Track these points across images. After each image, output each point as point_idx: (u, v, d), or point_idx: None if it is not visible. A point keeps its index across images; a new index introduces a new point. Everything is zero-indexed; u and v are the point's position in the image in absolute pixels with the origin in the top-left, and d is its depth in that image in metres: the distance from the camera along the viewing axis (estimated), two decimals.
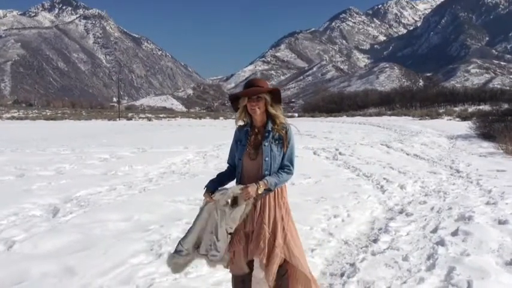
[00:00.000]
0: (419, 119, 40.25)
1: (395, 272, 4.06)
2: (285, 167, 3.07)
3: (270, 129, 3.06)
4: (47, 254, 4.46)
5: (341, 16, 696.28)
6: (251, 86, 3.08)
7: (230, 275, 3.18)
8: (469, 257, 4.28)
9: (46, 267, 4.06)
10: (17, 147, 14.84)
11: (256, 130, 3.09)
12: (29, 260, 4.25)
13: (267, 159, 3.00)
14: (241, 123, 3.16)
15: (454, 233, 5.16)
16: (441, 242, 4.83)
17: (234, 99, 3.12)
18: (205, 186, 3.09)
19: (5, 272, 3.96)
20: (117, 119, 57.31)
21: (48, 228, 5.37)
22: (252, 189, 2.91)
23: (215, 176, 3.19)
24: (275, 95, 3.10)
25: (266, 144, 3.03)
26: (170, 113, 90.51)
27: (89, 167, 10.42)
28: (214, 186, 3.07)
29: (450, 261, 4.23)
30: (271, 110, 3.08)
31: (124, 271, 4.01)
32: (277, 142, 3.05)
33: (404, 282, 3.78)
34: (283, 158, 3.08)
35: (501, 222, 5.59)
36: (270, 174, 3.00)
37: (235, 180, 3.14)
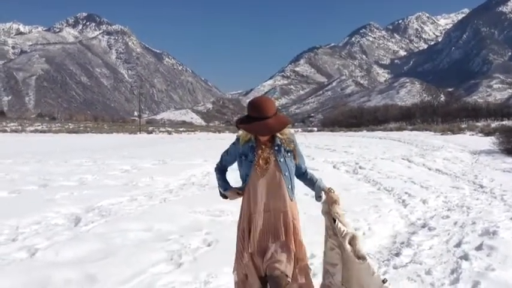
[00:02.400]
0: (441, 134, 39.66)
1: (418, 286, 3.99)
2: (305, 172, 3.18)
3: (279, 143, 3.02)
4: (68, 261, 4.51)
5: (361, 31, 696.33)
6: (260, 115, 2.93)
7: None
8: (494, 272, 4.18)
9: (68, 274, 4.10)
10: (40, 158, 15.12)
11: (262, 145, 3.03)
12: (51, 268, 4.29)
13: (286, 174, 3.00)
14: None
15: (479, 248, 5.04)
16: (465, 257, 4.72)
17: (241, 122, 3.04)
18: (225, 189, 3.17)
19: (28, 278, 4.01)
20: (138, 132, 57.97)
21: (70, 236, 5.43)
22: (333, 194, 3.11)
23: (221, 179, 3.23)
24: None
25: (282, 160, 3.00)
26: (190, 127, 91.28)
27: (110, 177, 10.55)
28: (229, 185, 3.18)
29: (475, 275, 4.13)
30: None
31: (144, 279, 4.03)
32: (289, 155, 3.04)
33: None
34: (299, 166, 3.12)
35: None
36: (292, 188, 3.02)
37: (227, 188, 3.17)
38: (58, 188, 9.01)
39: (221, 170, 3.24)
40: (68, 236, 5.44)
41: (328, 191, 3.13)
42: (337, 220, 3.07)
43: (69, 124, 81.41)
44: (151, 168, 12.40)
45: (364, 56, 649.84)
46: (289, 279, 2.88)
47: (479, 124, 52.05)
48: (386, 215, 7.07)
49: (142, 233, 5.61)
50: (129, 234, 5.54)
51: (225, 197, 3.25)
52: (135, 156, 15.54)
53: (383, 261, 4.82)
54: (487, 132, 35.85)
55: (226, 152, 3.20)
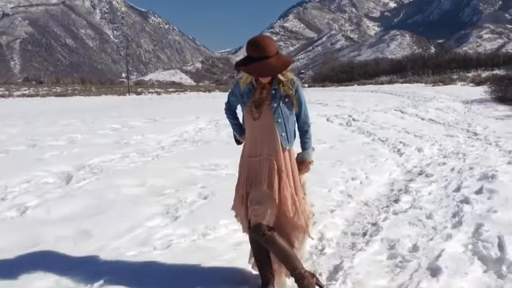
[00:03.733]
0: (432, 86, 39.51)
1: (420, 230, 3.92)
2: (305, 124, 2.93)
3: (276, 86, 2.81)
4: (61, 218, 4.39)
5: None
6: (260, 54, 2.69)
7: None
8: (496, 214, 4.13)
9: (61, 231, 3.99)
10: (28, 120, 14.82)
11: (261, 87, 2.84)
12: (43, 225, 4.18)
13: (279, 120, 2.78)
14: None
15: (478, 192, 4.99)
16: (465, 200, 4.67)
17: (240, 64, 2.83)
18: (240, 133, 3.05)
19: (19, 236, 3.89)
20: (127, 94, 57.23)
21: (62, 194, 5.30)
22: (309, 168, 3.00)
23: (232, 122, 3.10)
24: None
25: (275, 104, 2.78)
26: (179, 87, 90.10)
27: (100, 136, 10.34)
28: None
29: (477, 218, 4.07)
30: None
31: (140, 233, 3.93)
32: (286, 101, 2.81)
33: (431, 240, 3.64)
34: (298, 116, 2.90)
35: None
36: (287, 136, 2.81)
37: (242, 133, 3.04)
38: (47, 147, 8.79)
39: (231, 111, 3.10)
40: (59, 194, 5.30)
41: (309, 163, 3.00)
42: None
43: (57, 88, 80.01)
44: (142, 126, 12.18)
45: (353, 9, 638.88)
46: (268, 231, 2.73)
47: (469, 74, 52.00)
48: (382, 164, 7.03)
49: (136, 188, 5.50)
50: (123, 189, 5.42)
51: (239, 142, 3.10)
52: (125, 116, 15.27)
53: (382, 208, 4.76)
54: (478, 82, 35.83)
55: (232, 92, 3.04)
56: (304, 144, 2.97)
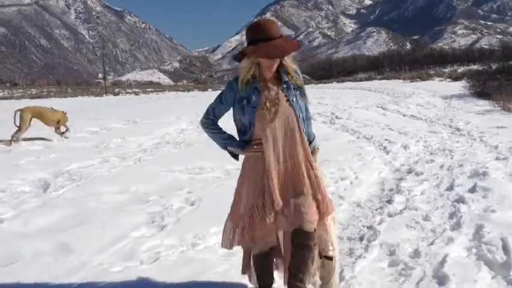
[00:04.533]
0: (410, 81, 39.75)
1: (419, 233, 3.78)
2: (309, 113, 2.72)
3: (286, 79, 2.57)
4: (39, 231, 4.10)
5: None
6: (266, 35, 2.45)
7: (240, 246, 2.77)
8: (495, 214, 4.01)
9: (39, 245, 3.70)
10: (1, 124, 14.31)
11: (268, 84, 2.56)
12: (19, 239, 3.88)
13: (300, 115, 2.56)
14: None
15: (472, 190, 4.89)
16: (461, 200, 4.55)
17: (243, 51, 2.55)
18: (242, 147, 2.62)
19: None
20: (104, 95, 56.35)
21: (39, 204, 4.98)
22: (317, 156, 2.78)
23: (222, 136, 2.68)
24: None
25: (294, 99, 2.55)
26: (157, 87, 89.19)
27: (78, 140, 9.98)
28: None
29: (476, 218, 3.95)
30: (285, 59, 2.60)
31: (125, 246, 3.67)
32: (298, 93, 2.60)
33: (432, 244, 3.49)
34: (306, 110, 2.67)
35: None
36: (307, 131, 2.64)
37: (237, 143, 2.65)
38: (23, 153, 8.41)
39: (215, 124, 2.71)
40: (36, 204, 4.99)
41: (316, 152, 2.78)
42: None
43: (32, 90, 78.35)
44: (121, 128, 11.85)
45: (330, 7, 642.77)
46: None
47: (446, 70, 52.71)
48: (370, 163, 6.91)
49: (118, 196, 5.22)
50: (104, 197, 5.14)
51: (236, 157, 2.72)
52: (104, 118, 14.87)
53: (376, 210, 4.61)
54: (455, 77, 36.31)
55: (220, 99, 2.66)
56: (311, 134, 2.75)
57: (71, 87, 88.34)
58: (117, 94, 57.21)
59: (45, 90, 74.37)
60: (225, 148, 2.70)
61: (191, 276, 3.10)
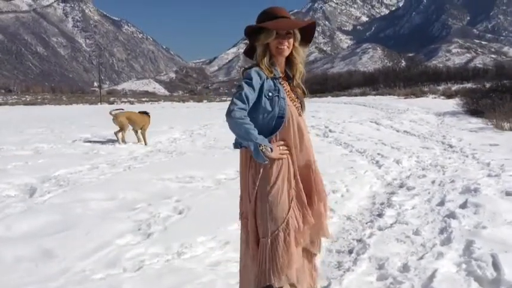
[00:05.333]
0: (405, 98, 39.97)
1: (409, 247, 3.72)
2: None
3: (290, 75, 2.43)
4: (21, 236, 4.01)
5: None
6: (277, 13, 2.30)
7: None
8: (486, 230, 3.95)
9: (21, 250, 3.61)
10: None
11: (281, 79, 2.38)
12: (1, 243, 3.79)
13: (304, 113, 2.47)
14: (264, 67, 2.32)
15: (463, 206, 4.84)
16: (452, 215, 4.50)
17: (253, 33, 2.33)
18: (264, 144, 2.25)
19: None
20: (99, 103, 56.20)
21: (24, 209, 4.89)
22: None
23: (256, 132, 2.23)
24: (307, 32, 2.41)
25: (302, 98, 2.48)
26: (153, 96, 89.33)
27: (69, 146, 9.90)
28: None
29: (466, 234, 3.89)
30: (296, 53, 2.38)
31: (109, 253, 3.59)
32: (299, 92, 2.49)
33: (422, 258, 3.43)
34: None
35: (509, 194, 5.30)
36: None
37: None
38: (11, 157, 8.31)
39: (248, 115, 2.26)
40: (21, 209, 4.89)
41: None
42: None
43: (26, 96, 78.05)
44: (113, 136, 11.75)
45: (327, 23, 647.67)
46: None
47: (440, 87, 53.01)
48: (362, 176, 6.87)
49: (106, 203, 5.14)
50: (91, 204, 5.05)
51: (263, 158, 2.26)
52: (96, 125, 14.78)
53: (366, 223, 4.55)
54: (449, 95, 36.49)
55: (251, 85, 2.25)
56: None
57: (65, 95, 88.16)
58: (111, 103, 57.09)
59: (39, 97, 74.12)
60: (258, 146, 2.23)
61: (175, 286, 3.03)
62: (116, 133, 10.25)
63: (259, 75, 2.28)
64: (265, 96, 2.28)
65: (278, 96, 2.30)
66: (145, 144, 10.21)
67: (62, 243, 3.75)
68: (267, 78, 2.29)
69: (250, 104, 2.24)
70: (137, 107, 40.28)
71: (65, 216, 4.56)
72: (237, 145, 2.40)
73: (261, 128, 2.27)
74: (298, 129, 2.38)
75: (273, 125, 2.31)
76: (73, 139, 10.94)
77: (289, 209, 2.31)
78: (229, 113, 2.19)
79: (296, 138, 2.37)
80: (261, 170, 2.31)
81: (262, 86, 2.28)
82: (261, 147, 2.23)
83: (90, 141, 10.65)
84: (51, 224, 4.31)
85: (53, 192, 5.64)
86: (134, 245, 3.78)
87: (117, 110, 10.53)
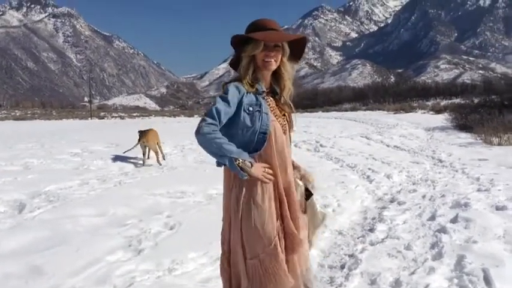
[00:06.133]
0: (394, 113, 40.25)
1: (400, 262, 3.72)
2: None
3: (277, 90, 2.35)
4: (10, 253, 3.95)
5: (313, 13, 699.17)
6: (269, 26, 2.21)
7: (219, 272, 2.52)
8: (477, 244, 3.97)
9: (9, 267, 3.56)
10: None
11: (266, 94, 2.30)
12: None
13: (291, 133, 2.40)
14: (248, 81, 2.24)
15: (454, 220, 4.87)
16: (443, 230, 4.52)
17: (240, 43, 2.24)
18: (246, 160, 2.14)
19: None
20: (89, 118, 55.98)
21: (13, 225, 4.84)
22: None
23: (229, 143, 2.13)
24: (297, 48, 2.31)
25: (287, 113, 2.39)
26: (144, 111, 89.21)
27: (59, 161, 9.80)
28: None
29: (457, 249, 3.91)
30: (284, 69, 2.30)
31: (99, 270, 3.55)
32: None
33: (413, 273, 3.44)
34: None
35: (499, 208, 5.34)
36: None
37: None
38: (0, 173, 8.23)
39: (220, 130, 2.16)
40: (10, 225, 4.84)
41: None
42: None
43: (16, 111, 77.58)
44: (104, 151, 11.69)
45: (317, 39, 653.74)
46: None
47: (429, 103, 53.47)
48: (353, 191, 6.89)
49: (96, 219, 5.09)
50: (81, 220, 5.00)
51: (245, 172, 2.15)
52: (86, 140, 14.70)
53: (358, 238, 4.56)
54: (438, 110, 36.83)
55: (225, 100, 2.17)
56: None
57: (55, 110, 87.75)
58: (102, 118, 56.91)
59: (29, 112, 73.69)
60: (234, 161, 2.12)
61: None
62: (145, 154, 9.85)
63: (237, 89, 2.20)
64: (244, 111, 2.19)
65: (260, 111, 2.20)
66: (163, 157, 10.00)
67: (51, 260, 3.71)
68: (248, 93, 2.22)
69: (223, 119, 2.15)
70: (127, 122, 40.16)
71: (54, 233, 4.51)
72: (219, 163, 2.25)
73: (242, 144, 2.18)
74: (281, 147, 2.29)
75: (255, 140, 2.20)
76: (63, 154, 10.85)
77: (276, 231, 2.23)
78: (197, 130, 2.11)
79: (279, 156, 2.28)
80: (244, 189, 2.22)
81: (241, 100, 2.19)
82: (237, 162, 2.11)
83: (80, 157, 10.57)
84: (41, 241, 4.26)
85: (43, 208, 5.58)
86: (125, 262, 3.74)
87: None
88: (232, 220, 2.27)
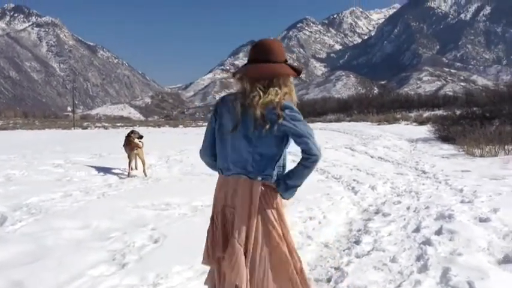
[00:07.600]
0: (378, 124, 40.64)
1: (386, 275, 3.73)
2: None
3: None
4: None
5: (298, 25, 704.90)
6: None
7: (205, 286, 2.64)
8: (462, 257, 4.00)
9: None
10: None
11: None
12: None
13: None
14: None
15: (439, 232, 4.90)
16: (427, 242, 4.54)
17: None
18: None
19: None
20: (72, 128, 55.39)
21: None
22: None
23: None
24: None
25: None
26: (128, 121, 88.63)
27: (41, 173, 9.65)
28: None
29: (442, 261, 3.93)
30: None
31: (82, 284, 3.49)
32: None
33: (399, 286, 3.45)
34: None
35: (482, 220, 5.38)
36: None
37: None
38: None
39: None
40: None
41: None
42: None
43: None
44: (87, 162, 11.53)
45: (301, 50, 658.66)
46: None
47: (412, 114, 53.97)
48: (338, 202, 6.91)
49: (79, 232, 5.01)
50: (63, 233, 4.92)
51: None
52: (69, 151, 14.50)
53: (343, 250, 4.55)
54: (421, 122, 37.24)
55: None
56: None
57: (38, 120, 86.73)
58: (85, 128, 56.36)
59: (11, 122, 72.67)
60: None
61: None
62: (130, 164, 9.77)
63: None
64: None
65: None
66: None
67: (33, 275, 3.63)
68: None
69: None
70: (111, 132, 39.84)
71: (36, 246, 4.42)
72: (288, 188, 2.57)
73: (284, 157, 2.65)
74: None
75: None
76: (45, 165, 10.67)
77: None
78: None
79: None
80: (282, 211, 2.51)
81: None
82: None
83: (63, 168, 10.42)
84: (22, 254, 4.17)
85: (25, 221, 5.48)
86: (108, 276, 3.68)
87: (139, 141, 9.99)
88: (259, 241, 2.40)
